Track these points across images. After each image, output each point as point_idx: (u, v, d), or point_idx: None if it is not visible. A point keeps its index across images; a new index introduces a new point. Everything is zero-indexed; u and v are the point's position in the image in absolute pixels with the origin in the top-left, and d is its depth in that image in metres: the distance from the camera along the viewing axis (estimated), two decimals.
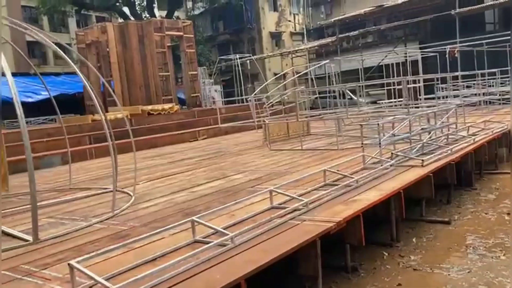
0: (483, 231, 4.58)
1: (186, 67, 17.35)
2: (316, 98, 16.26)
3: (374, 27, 24.56)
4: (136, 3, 32.42)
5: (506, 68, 14.14)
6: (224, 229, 3.34)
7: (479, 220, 4.96)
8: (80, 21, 39.09)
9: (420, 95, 13.11)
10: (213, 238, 3.33)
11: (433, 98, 12.51)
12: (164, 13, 32.08)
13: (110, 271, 2.75)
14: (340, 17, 24.61)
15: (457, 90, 14.02)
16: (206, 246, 2.98)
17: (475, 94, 12.99)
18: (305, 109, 18.70)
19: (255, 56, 27.46)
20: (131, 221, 4.16)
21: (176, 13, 33.07)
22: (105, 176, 7.29)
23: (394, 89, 15.03)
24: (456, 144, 6.29)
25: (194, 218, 3.35)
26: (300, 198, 4.01)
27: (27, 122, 16.98)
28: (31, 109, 17.30)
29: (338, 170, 5.11)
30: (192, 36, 17.60)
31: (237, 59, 22.01)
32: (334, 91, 16.76)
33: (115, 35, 15.32)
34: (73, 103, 18.25)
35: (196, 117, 15.06)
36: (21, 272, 3.01)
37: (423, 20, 21.75)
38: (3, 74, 3.77)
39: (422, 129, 6.75)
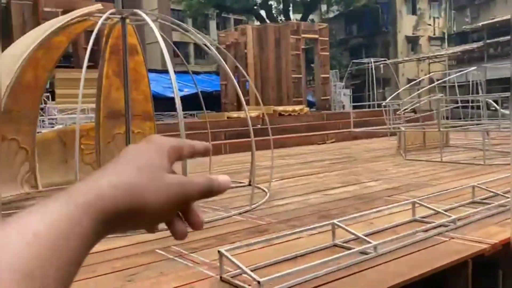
0: None
1: (318, 70, 17.40)
2: (457, 107, 15.11)
3: None
4: (273, 6, 33.44)
5: None
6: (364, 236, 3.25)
7: None
8: (220, 24, 41.57)
9: None
10: (353, 244, 3.26)
11: None
12: (299, 16, 32.61)
13: (253, 263, 2.84)
14: (490, 21, 22.55)
15: None
16: (348, 252, 2.92)
17: None
18: (442, 118, 17.54)
19: (390, 60, 26.49)
20: (268, 216, 4.26)
21: (310, 16, 33.41)
22: (240, 171, 7.61)
23: None
24: None
25: (335, 221, 3.31)
26: (446, 213, 3.74)
27: (171, 116, 18.48)
28: (173, 104, 18.76)
29: (487, 188, 4.67)
30: (327, 39, 17.59)
31: (371, 62, 21.44)
32: (477, 101, 15.47)
33: (253, 37, 15.96)
34: (211, 100, 19.47)
35: (325, 120, 15.01)
36: (173, 252, 3.26)
37: None
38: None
39: None
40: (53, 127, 10.76)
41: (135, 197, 0.40)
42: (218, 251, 2.72)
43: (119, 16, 5.13)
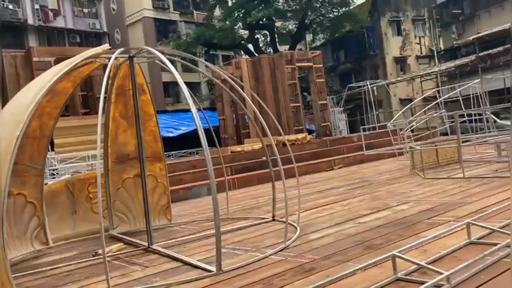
0: None
1: (315, 97, 17.31)
2: (464, 122, 14.97)
3: None
4: (260, 40, 33.77)
5: None
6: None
7: None
8: (208, 61, 41.89)
9: None
10: (416, 276, 2.95)
11: None
12: (286, 47, 32.93)
13: None
14: (480, 34, 22.81)
15: None
16: (423, 286, 2.59)
17: None
18: (439, 135, 17.41)
19: (386, 81, 26.60)
20: (307, 253, 3.93)
21: (298, 46, 33.74)
22: (258, 206, 7.28)
23: None
24: None
25: (395, 252, 2.99)
26: (506, 232, 3.44)
27: (169, 156, 18.17)
28: (172, 143, 18.56)
29: None
30: (321, 66, 17.60)
31: (367, 85, 21.47)
32: (477, 115, 15.39)
33: (248, 69, 15.90)
34: (210, 136, 19.23)
35: (329, 146, 14.79)
36: None
37: None
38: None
39: None
40: (54, 177, 10.40)
41: None
42: None
43: (127, 55, 4.92)
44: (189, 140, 20.95)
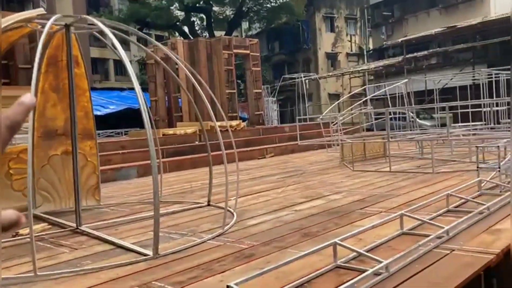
0: None
1: (250, 85, 17.33)
2: (387, 119, 15.69)
3: (443, 48, 23.80)
4: (196, 23, 33.17)
5: None
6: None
7: None
8: (140, 40, 40.46)
9: (502, 119, 12.39)
10: (354, 263, 3.03)
11: None
12: (222, 33, 32.63)
13: None
14: (407, 37, 24.03)
15: None
16: (364, 274, 2.66)
17: None
18: (363, 130, 18.21)
19: (318, 75, 27.27)
20: (246, 239, 3.91)
21: (233, 33, 33.56)
22: (192, 190, 7.17)
23: (461, 113, 14.27)
24: None
25: (337, 240, 3.05)
26: (436, 224, 3.64)
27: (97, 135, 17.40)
28: (99, 122, 17.75)
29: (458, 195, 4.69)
30: (258, 54, 17.63)
31: (301, 77, 21.88)
32: (399, 113, 16.24)
33: (184, 52, 15.54)
34: (140, 117, 18.60)
35: (262, 134, 14.91)
36: None
37: (493, 42, 20.85)
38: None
39: None
40: None
41: None
42: (227, 286, 2.34)
43: (63, 23, 4.57)
44: (117, 120, 20.17)
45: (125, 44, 40.95)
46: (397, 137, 11.29)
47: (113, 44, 4.20)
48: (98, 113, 19.59)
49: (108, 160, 9.87)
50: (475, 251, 3.14)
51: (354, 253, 3.08)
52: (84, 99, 5.90)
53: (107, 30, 3.95)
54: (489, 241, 3.32)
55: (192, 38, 27.95)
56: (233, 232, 4.21)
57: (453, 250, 3.19)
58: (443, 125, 16.06)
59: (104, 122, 18.20)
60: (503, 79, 14.37)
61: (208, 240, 3.94)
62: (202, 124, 6.16)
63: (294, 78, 23.97)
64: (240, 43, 17.07)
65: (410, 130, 13.70)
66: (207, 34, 30.98)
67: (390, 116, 16.06)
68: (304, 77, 23.04)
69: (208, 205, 5.68)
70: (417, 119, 19.00)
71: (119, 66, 35.91)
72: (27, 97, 0.43)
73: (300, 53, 36.03)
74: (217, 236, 4.08)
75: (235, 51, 16.33)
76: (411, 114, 16.37)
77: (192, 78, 5.69)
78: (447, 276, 2.71)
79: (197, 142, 12.73)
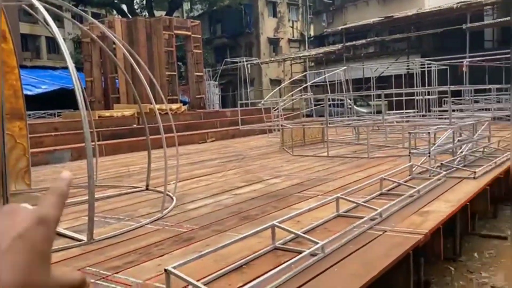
0: None
1: (192, 68, 17.05)
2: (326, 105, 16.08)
3: (380, 37, 24.61)
4: (135, 1, 32.03)
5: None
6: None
7: None
8: (75, 17, 38.51)
9: (433, 107, 13.07)
10: (292, 245, 3.09)
11: (446, 111, 12.45)
12: (162, 13, 31.73)
13: (198, 278, 2.47)
14: (347, 25, 24.59)
15: (463, 104, 14.01)
16: (300, 255, 2.71)
17: (487, 109, 12.97)
18: (303, 116, 18.57)
19: (260, 60, 27.30)
20: (186, 223, 3.87)
21: (174, 14, 32.75)
22: (129, 174, 6.98)
23: (395, 100, 14.88)
24: (499, 157, 6.14)
25: (275, 223, 3.09)
26: (370, 206, 3.78)
27: (27, 116, 16.47)
28: (30, 102, 16.80)
29: (391, 179, 4.90)
30: (200, 36, 17.33)
31: (243, 61, 21.80)
32: (338, 100, 16.71)
33: (122, 31, 14.97)
34: (74, 98, 17.78)
35: (203, 119, 14.76)
36: (92, 275, 2.71)
37: (428, 33, 21.84)
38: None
39: (459, 140, 6.58)
40: None
41: None
42: (165, 270, 2.30)
43: None
44: (50, 101, 19.16)
45: (58, 20, 38.88)
46: (335, 123, 11.59)
47: (45, 20, 3.96)
48: (29, 92, 18.54)
49: (39, 142, 9.37)
50: (405, 231, 3.29)
51: (292, 235, 3.13)
52: (12, 76, 5.53)
53: (38, 4, 3.70)
54: (418, 222, 3.50)
55: (131, 17, 26.96)
56: (172, 216, 4.15)
57: (385, 231, 3.33)
58: (379, 112, 16.71)
59: (36, 103, 17.23)
60: (435, 69, 15.13)
61: (146, 224, 3.86)
62: (140, 107, 5.98)
63: (236, 62, 23.86)
64: (181, 24, 16.69)
65: (348, 117, 14.11)
66: (147, 14, 30.04)
67: (329, 103, 16.50)
68: (246, 61, 22.99)
69: (147, 189, 5.56)
70: (355, 106, 19.66)
71: (52, 44, 34.06)
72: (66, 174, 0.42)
73: (243, 37, 35.86)
74: (155, 220, 4.01)
75: (176, 32, 15.95)
76: (349, 101, 16.88)
77: (131, 58, 5.50)
78: (379, 255, 2.83)
79: (135, 125, 12.39)
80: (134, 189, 5.62)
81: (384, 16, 22.87)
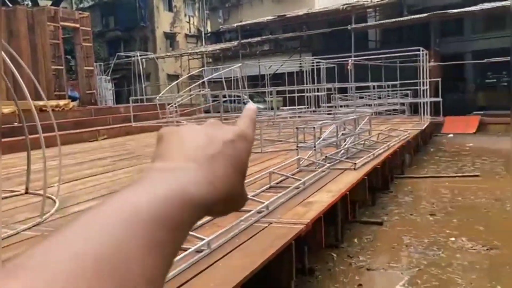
0: (415, 231, 4.89)
1: (81, 62, 16.12)
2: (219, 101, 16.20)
3: (275, 35, 25.35)
4: None
5: (395, 82, 15.55)
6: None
7: (407, 222, 5.29)
8: None
9: (322, 103, 13.80)
10: None
11: (334, 107, 13.23)
12: (48, 3, 29.57)
13: None
14: (242, 23, 24.94)
15: (349, 100, 15.01)
16: (186, 253, 2.71)
17: (370, 105, 14.01)
18: (201, 112, 18.56)
19: (156, 55, 26.63)
20: None
21: (63, 4, 30.71)
22: (8, 177, 6.42)
23: (289, 97, 15.48)
24: (376, 149, 6.67)
25: None
26: (258, 200, 3.89)
27: None
28: None
29: (279, 172, 5.09)
30: (90, 29, 16.43)
31: (137, 56, 21.09)
32: (235, 96, 16.93)
33: None
34: None
35: (94, 115, 14.05)
36: None
37: (318, 33, 22.97)
38: None
39: (342, 134, 7.03)
40: None
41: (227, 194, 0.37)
42: None
43: None
44: None
45: None
46: (231, 119, 11.74)
47: None
48: None
49: None
50: (290, 222, 3.45)
51: None
52: None
53: None
54: (301, 213, 3.68)
55: (10, 5, 24.72)
56: (54, 220, 3.91)
57: (271, 223, 3.46)
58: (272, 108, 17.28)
59: None
60: (324, 67, 15.97)
61: (22, 231, 3.59)
62: (17, 104, 5.53)
63: (130, 57, 23.04)
64: (68, 15, 15.68)
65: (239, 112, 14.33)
66: (29, 3, 27.80)
67: (226, 99, 16.66)
68: (140, 56, 22.29)
69: (26, 193, 5.17)
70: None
71: None
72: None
73: (137, 31, 34.69)
74: (34, 226, 3.74)
75: (62, 23, 14.94)
76: (245, 97, 17.19)
77: (10, 49, 5.07)
78: (263, 247, 2.93)
79: (16, 124, 11.42)
80: (12, 193, 5.19)
81: (277, 15, 23.60)
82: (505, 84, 21.75)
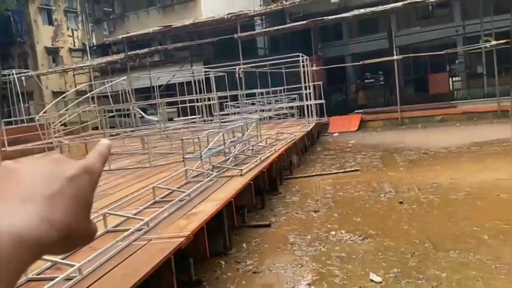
0: (299, 229, 5.11)
1: None
2: (112, 116, 15.59)
3: (162, 46, 25.03)
4: None
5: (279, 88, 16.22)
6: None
7: (293, 220, 5.52)
8: None
9: (215, 111, 13.90)
10: (48, 273, 2.90)
11: (227, 114, 13.40)
12: None
13: None
14: (128, 34, 24.25)
15: (240, 107, 15.32)
16: (53, 282, 2.56)
17: (262, 110, 14.42)
18: (91, 129, 17.74)
19: (35, 72, 24.87)
20: None
21: None
22: None
23: (182, 107, 15.36)
24: (263, 154, 6.88)
25: None
26: (138, 217, 3.80)
27: None
28: None
29: (165, 186, 5.02)
30: None
31: (13, 74, 19.50)
32: (125, 110, 16.41)
33: None
34: None
35: None
36: None
37: (207, 42, 23.11)
38: None
39: (231, 141, 7.15)
40: None
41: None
42: None
43: None
44: None
45: None
46: (121, 134, 11.35)
47: None
48: None
49: None
50: (170, 237, 3.42)
51: (49, 263, 2.93)
52: None
53: None
54: (183, 225, 3.67)
55: None
56: None
57: (151, 240, 3.39)
58: (170, 119, 17.01)
59: None
60: (213, 77, 16.10)
61: None
62: None
63: (6, 75, 21.28)
64: None
65: (136, 126, 13.96)
66: None
67: (115, 114, 16.06)
68: (17, 73, 20.67)
69: None
70: (145, 115, 19.61)
71: None
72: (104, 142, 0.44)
73: (15, 47, 32.19)
74: None
75: None
76: (138, 110, 16.73)
77: None
78: (138, 266, 2.86)
79: None
80: None
81: (164, 25, 23.35)
82: (382, 83, 23.77)
